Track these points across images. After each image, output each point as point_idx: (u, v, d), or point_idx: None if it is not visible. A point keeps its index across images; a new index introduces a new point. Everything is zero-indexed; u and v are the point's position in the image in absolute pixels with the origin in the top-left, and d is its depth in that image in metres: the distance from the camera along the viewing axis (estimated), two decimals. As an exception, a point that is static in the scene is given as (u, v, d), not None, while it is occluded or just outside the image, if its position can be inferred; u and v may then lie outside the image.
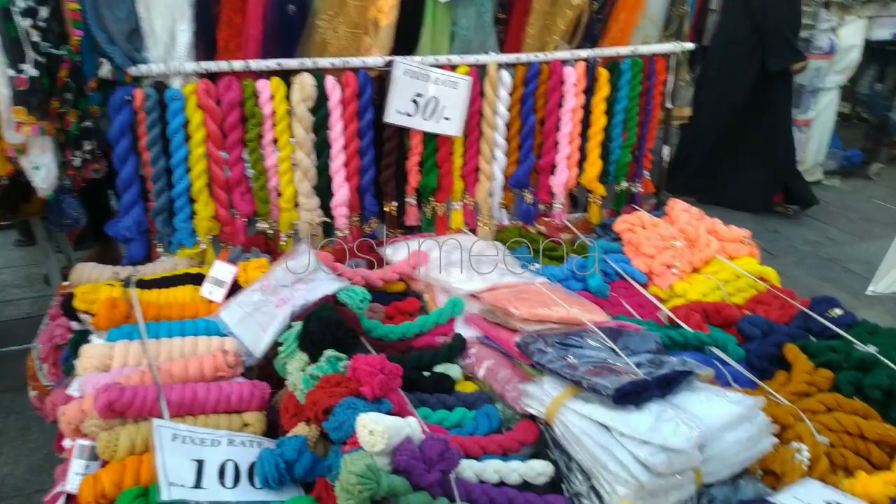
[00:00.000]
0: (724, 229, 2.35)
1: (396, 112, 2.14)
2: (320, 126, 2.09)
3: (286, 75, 2.02)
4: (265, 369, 1.57)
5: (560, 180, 2.41)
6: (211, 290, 1.68)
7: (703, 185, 4.67)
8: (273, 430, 1.38)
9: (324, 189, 2.14)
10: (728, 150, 4.64)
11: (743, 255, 2.27)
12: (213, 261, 2.00)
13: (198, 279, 1.77)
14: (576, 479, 1.30)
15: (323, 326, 1.40)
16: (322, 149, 2.12)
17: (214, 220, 2.00)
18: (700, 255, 2.23)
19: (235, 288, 1.70)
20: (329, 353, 1.33)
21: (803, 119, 5.02)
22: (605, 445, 1.26)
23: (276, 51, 2.04)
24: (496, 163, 2.34)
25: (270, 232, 2.11)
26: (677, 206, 2.50)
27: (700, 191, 4.59)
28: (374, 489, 1.05)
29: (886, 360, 1.63)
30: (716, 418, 1.30)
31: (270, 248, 2.06)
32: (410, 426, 1.17)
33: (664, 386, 1.36)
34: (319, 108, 2.07)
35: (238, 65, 1.97)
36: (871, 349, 1.68)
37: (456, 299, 1.77)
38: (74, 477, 1.22)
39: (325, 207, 2.16)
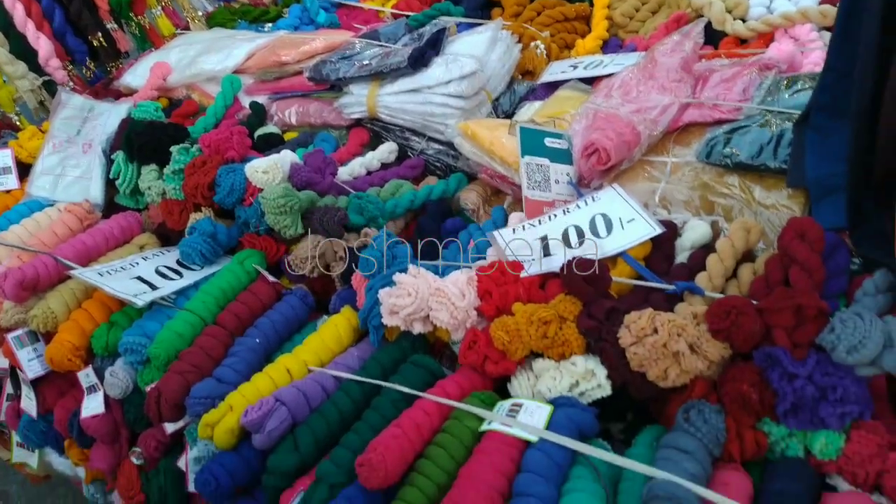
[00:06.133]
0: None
1: (45, -66, 1.95)
2: (-28, -17, 1.85)
3: None
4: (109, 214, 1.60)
5: (236, -56, 2.41)
6: (2, 182, 1.59)
7: None
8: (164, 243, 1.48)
9: (23, 49, 1.95)
10: None
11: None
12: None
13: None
14: (413, 140, 1.63)
15: (150, 133, 1.45)
16: (-10, 8, 1.90)
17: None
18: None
19: (24, 169, 1.61)
20: (176, 146, 1.42)
21: None
22: (423, 102, 1.58)
23: None
24: (169, -48, 2.26)
25: (-3, 116, 1.93)
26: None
27: None
28: (297, 201, 1.27)
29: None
30: (479, 46, 1.67)
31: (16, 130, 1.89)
32: (288, 155, 1.38)
33: (434, 45, 1.68)
34: (-41, -37, 1.82)
35: None
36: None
37: (230, 77, 1.85)
38: (30, 363, 1.26)
39: (36, 67, 1.99)
